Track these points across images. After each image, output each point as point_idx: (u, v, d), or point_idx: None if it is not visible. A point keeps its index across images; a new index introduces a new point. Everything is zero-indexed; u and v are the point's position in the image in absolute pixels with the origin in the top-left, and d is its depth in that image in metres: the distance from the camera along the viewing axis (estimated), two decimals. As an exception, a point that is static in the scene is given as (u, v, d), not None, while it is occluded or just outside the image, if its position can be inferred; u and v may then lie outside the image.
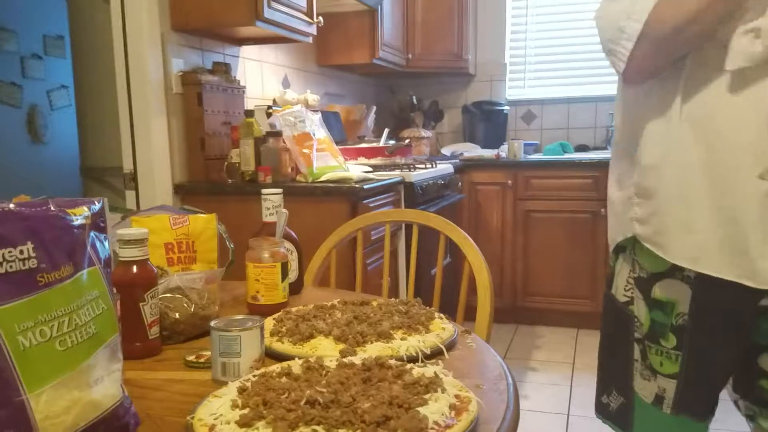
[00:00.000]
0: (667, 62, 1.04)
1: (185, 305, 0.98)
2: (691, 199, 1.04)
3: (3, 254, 0.51)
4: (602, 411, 1.26)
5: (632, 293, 1.17)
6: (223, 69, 2.36)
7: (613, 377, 1.23)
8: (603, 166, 3.26)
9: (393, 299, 1.07)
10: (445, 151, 3.79)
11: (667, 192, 1.07)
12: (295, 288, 1.24)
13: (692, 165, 1.03)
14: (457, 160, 3.44)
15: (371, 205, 2.16)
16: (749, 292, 1.02)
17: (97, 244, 0.62)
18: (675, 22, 0.99)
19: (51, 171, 3.35)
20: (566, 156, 3.61)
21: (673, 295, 1.10)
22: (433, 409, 0.61)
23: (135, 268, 0.89)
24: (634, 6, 1.02)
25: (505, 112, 3.94)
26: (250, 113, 2.24)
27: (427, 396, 0.64)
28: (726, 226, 1.01)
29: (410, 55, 3.58)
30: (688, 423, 1.15)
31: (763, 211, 0.98)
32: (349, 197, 2.07)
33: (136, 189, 2.21)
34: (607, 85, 3.81)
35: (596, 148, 3.83)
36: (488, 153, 3.58)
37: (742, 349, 1.13)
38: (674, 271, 1.08)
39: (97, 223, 0.62)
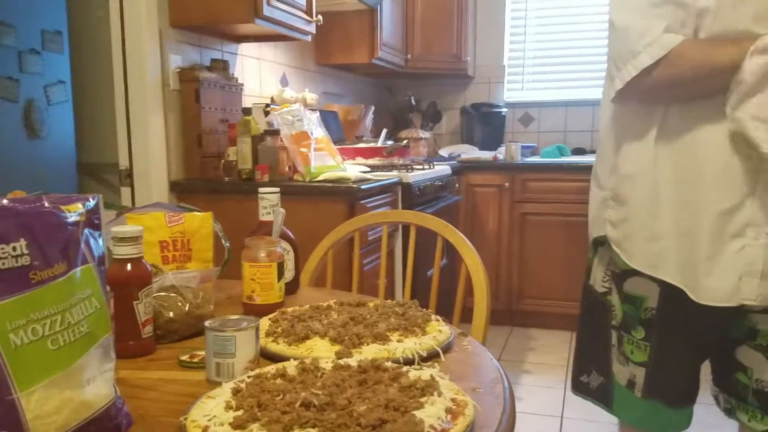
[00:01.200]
0: (661, 98, 1.12)
1: (179, 304, 0.97)
2: (657, 212, 1.14)
3: (-5, 251, 0.51)
4: (581, 388, 1.35)
5: (609, 284, 1.26)
6: (221, 66, 2.35)
7: (593, 359, 1.32)
8: (600, 169, 3.26)
9: (389, 301, 1.06)
10: (443, 152, 3.78)
11: (638, 202, 1.17)
12: (291, 288, 1.23)
13: (663, 182, 1.13)
14: (455, 162, 3.44)
15: (369, 205, 2.15)
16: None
17: (91, 241, 0.61)
18: (694, 71, 1.06)
19: (48, 166, 3.33)
20: (563, 159, 3.61)
21: (642, 291, 1.20)
22: (430, 413, 0.60)
23: (129, 266, 0.88)
24: (654, 35, 1.06)
25: (503, 114, 3.94)
26: (247, 111, 2.23)
27: (423, 399, 0.64)
28: (682, 239, 1.12)
29: (409, 56, 3.57)
30: (661, 407, 1.23)
31: (714, 231, 1.08)
32: (347, 197, 2.06)
33: (132, 186, 2.19)
34: (606, 88, 3.81)
35: (593, 152, 3.83)
36: (486, 155, 3.57)
37: (711, 344, 1.22)
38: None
39: (92, 220, 0.61)
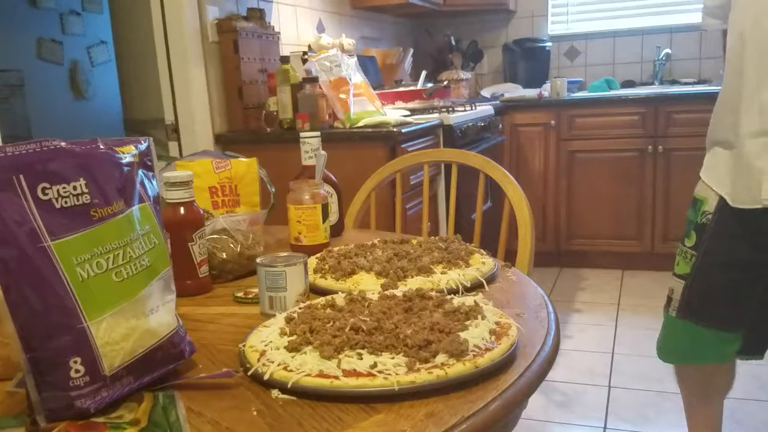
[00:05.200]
0: None
1: (231, 246, 1.01)
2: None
3: (58, 190, 0.54)
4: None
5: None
6: (257, 15, 2.34)
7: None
8: (650, 101, 3.13)
9: (433, 237, 1.08)
10: (485, 92, 3.70)
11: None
12: (336, 230, 1.26)
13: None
14: (498, 102, 3.36)
15: (410, 149, 2.15)
16: None
17: (146, 181, 0.64)
18: None
19: (94, 126, 3.43)
20: (612, 92, 3.47)
21: (703, 193, 1.22)
22: (474, 334, 0.62)
23: (182, 209, 0.92)
24: None
25: (547, 49, 3.79)
26: (285, 60, 2.23)
27: (468, 322, 0.65)
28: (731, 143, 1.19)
29: (447, -7, 3.46)
30: (694, 329, 1.21)
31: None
32: (388, 142, 2.06)
33: (179, 140, 2.25)
34: (655, 16, 3.61)
35: (643, 84, 3.68)
36: (530, 93, 3.47)
37: (759, 264, 1.20)
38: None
39: (144, 161, 0.64)
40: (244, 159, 1.20)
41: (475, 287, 0.86)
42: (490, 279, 0.90)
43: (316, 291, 0.88)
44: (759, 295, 1.24)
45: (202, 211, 0.96)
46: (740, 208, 1.15)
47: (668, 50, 3.62)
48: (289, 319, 0.70)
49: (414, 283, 0.85)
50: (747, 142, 1.14)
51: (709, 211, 1.20)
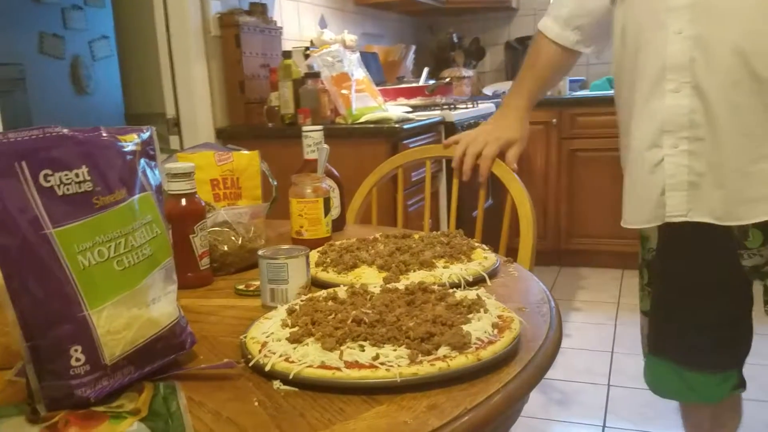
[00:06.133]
0: None
1: (233, 238, 1.01)
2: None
3: (60, 177, 0.54)
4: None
5: None
6: (259, 9, 2.34)
7: None
8: (652, 101, 3.13)
9: (435, 232, 1.07)
10: (487, 90, 3.69)
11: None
12: (338, 225, 1.25)
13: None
14: (500, 100, 3.35)
15: (411, 145, 2.14)
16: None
17: (148, 171, 0.63)
18: None
19: (95, 121, 3.39)
20: (614, 91, 3.46)
21: (647, 230, 1.15)
22: (476, 327, 0.62)
23: (184, 201, 0.92)
24: None
25: (549, 48, 3.79)
26: (288, 55, 2.22)
27: (470, 315, 0.65)
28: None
29: (450, -9, 3.45)
30: (671, 368, 1.08)
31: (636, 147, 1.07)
32: (389, 138, 2.05)
33: (180, 134, 2.25)
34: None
35: (646, 84, 3.67)
36: (531, 91, 3.46)
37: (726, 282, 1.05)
38: None
39: (147, 150, 0.64)
40: (246, 152, 1.19)
41: (477, 282, 0.86)
42: (492, 274, 0.89)
43: (317, 284, 0.88)
44: (743, 325, 1.08)
45: (203, 203, 0.95)
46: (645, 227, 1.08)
47: (671, 50, 3.61)
48: (290, 311, 0.70)
49: (416, 277, 0.85)
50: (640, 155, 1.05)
51: (653, 248, 1.13)
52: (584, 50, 1.28)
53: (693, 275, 1.07)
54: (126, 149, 0.60)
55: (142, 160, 0.63)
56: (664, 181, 1.00)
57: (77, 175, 0.55)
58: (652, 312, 1.13)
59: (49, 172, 0.53)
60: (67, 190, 0.54)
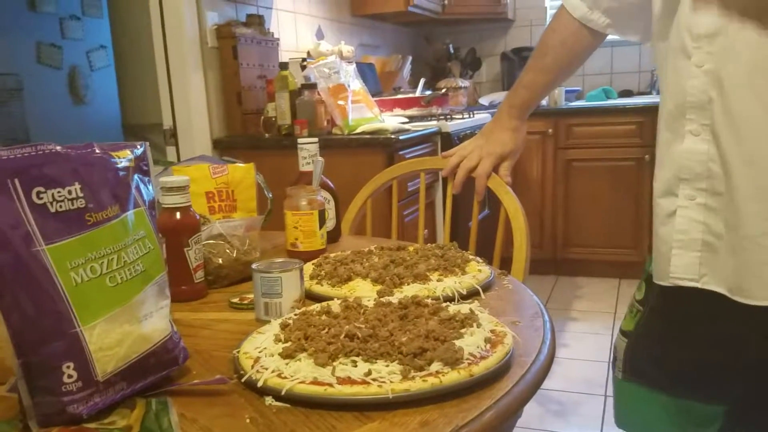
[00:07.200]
0: None
1: (228, 251, 1.01)
2: None
3: (53, 194, 0.54)
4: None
5: None
6: (257, 21, 2.35)
7: None
8: (647, 111, 3.14)
9: (429, 244, 1.08)
10: (484, 100, 3.71)
11: None
12: (333, 236, 1.25)
13: None
14: (496, 110, 3.37)
15: (408, 156, 2.15)
16: None
17: (141, 186, 0.64)
18: None
19: (93, 131, 3.44)
20: (609, 102, 3.49)
21: None
22: (469, 342, 0.62)
23: (178, 215, 0.92)
24: None
25: (545, 58, 3.81)
26: (284, 66, 2.23)
27: (463, 330, 0.65)
28: None
29: (446, 1, 3.47)
30: (644, 394, 0.95)
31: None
32: (386, 149, 2.06)
33: (177, 145, 2.25)
34: (654, 26, 3.62)
35: (641, 93, 3.69)
36: (527, 101, 3.48)
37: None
38: None
39: (140, 166, 0.64)
40: (241, 164, 1.20)
41: (471, 295, 0.86)
42: (486, 287, 0.90)
43: (312, 297, 0.88)
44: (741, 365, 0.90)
45: (198, 216, 0.95)
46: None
47: (666, 60, 3.64)
48: (284, 326, 0.70)
49: (410, 290, 0.85)
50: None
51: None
52: (625, 36, 1.11)
53: (700, 358, 0.92)
54: (119, 165, 0.60)
55: (136, 176, 0.63)
56: (672, 236, 0.87)
57: (70, 192, 0.55)
58: (639, 327, 0.98)
59: (41, 189, 0.53)
60: (60, 207, 0.54)
